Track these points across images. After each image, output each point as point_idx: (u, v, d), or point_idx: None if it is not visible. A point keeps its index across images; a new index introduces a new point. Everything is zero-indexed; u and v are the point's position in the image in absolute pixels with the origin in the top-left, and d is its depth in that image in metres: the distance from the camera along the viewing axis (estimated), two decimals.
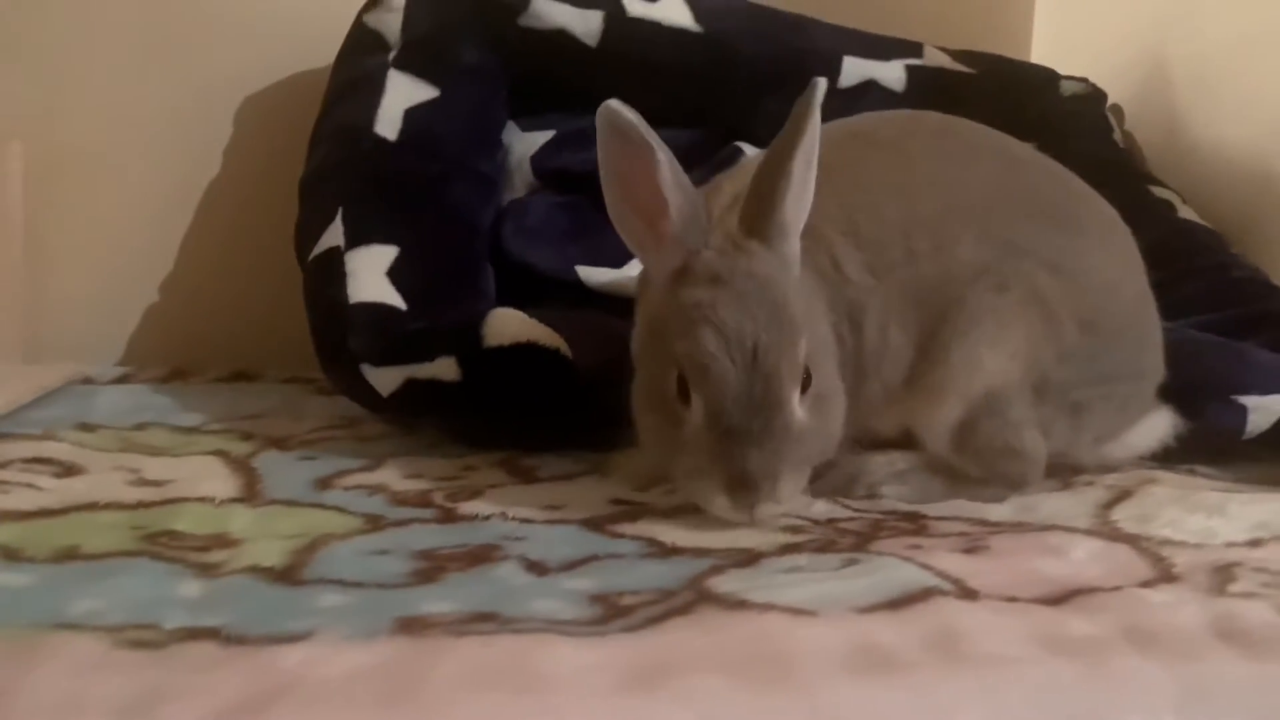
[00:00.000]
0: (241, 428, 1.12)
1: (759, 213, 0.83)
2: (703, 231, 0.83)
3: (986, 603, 0.66)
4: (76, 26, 1.41)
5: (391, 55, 1.30)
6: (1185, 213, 1.42)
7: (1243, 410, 1.08)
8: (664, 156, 0.81)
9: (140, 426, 1.11)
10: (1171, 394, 1.05)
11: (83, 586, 0.65)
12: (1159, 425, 1.02)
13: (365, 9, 1.34)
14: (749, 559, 0.73)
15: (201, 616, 0.60)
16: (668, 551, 0.76)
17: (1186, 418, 1.04)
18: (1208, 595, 0.69)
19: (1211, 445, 1.09)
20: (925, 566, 0.72)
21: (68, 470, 0.92)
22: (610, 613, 0.62)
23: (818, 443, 0.82)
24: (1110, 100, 1.66)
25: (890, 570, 0.70)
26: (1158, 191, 1.45)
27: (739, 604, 0.63)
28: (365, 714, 0.48)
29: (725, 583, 0.68)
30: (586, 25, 1.36)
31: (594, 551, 0.75)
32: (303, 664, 0.52)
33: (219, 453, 1.01)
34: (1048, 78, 1.62)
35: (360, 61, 1.31)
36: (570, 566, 0.72)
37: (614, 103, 0.81)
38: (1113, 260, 0.96)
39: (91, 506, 0.82)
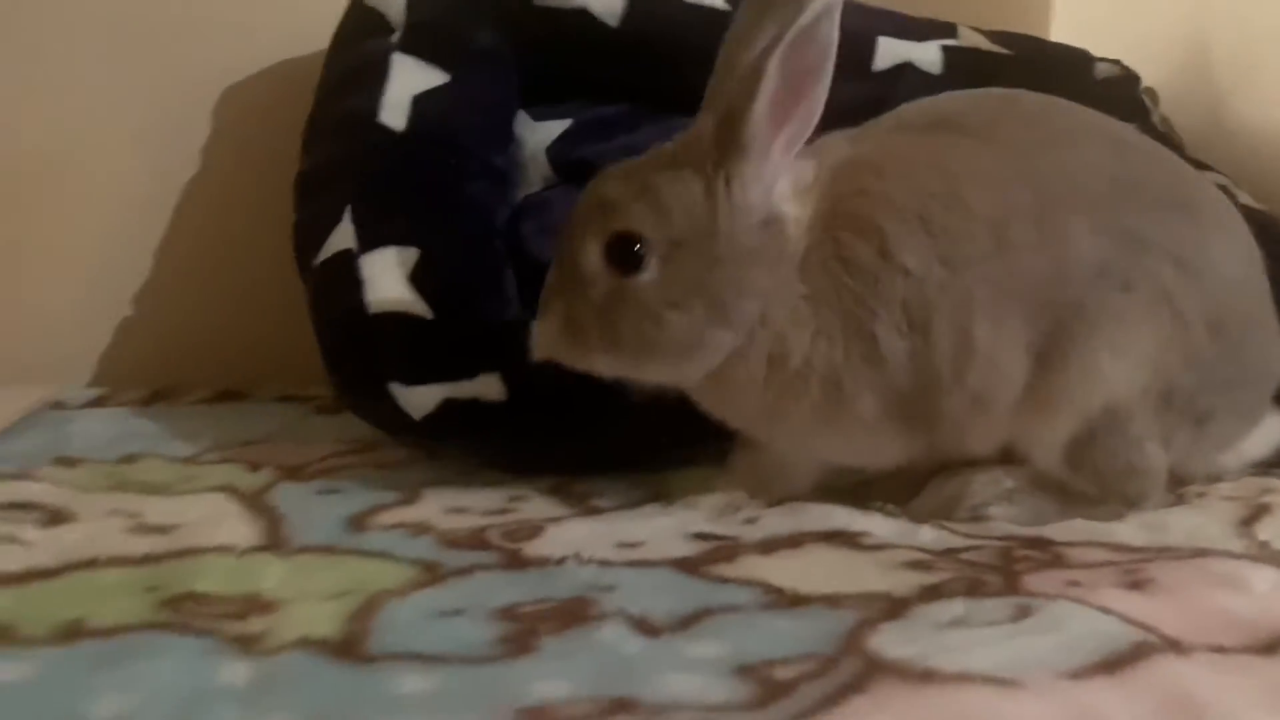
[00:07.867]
0: (245, 456, 0.99)
1: (726, 124, 0.77)
2: None
3: (1197, 656, 0.56)
4: (40, 20, 1.26)
5: (395, 37, 1.17)
6: (1243, 198, 1.34)
7: None
8: None
9: (128, 458, 0.97)
10: None
11: (100, 677, 0.53)
12: (1274, 430, 0.94)
13: None
14: (893, 607, 0.62)
15: (259, 714, 0.48)
16: (791, 601, 0.64)
17: None
18: None
19: None
20: (1106, 610, 0.61)
21: (53, 517, 0.79)
22: (767, 691, 0.51)
23: (631, 317, 0.77)
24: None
25: (1079, 621, 0.59)
26: (1210, 176, 1.37)
27: (924, 675, 0.52)
28: None
29: (887, 643, 0.57)
30: (607, 4, 1.24)
31: (704, 603, 0.64)
32: None
33: (226, 488, 0.88)
34: (1082, 59, 1.53)
35: (360, 45, 1.18)
36: (684, 624, 0.61)
37: None
38: (1237, 251, 0.87)
39: (91, 564, 0.69)
